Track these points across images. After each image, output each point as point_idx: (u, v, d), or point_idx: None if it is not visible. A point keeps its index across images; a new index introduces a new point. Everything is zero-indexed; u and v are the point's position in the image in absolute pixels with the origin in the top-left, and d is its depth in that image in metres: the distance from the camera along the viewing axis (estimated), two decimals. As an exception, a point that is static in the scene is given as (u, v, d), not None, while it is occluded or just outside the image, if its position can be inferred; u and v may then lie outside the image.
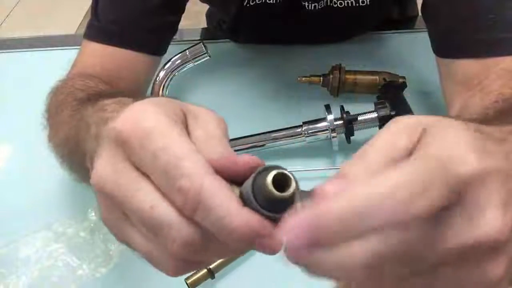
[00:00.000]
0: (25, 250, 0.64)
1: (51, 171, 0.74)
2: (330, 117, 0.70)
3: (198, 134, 0.30)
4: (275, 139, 0.72)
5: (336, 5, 0.80)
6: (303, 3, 0.79)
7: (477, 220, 0.25)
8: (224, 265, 0.60)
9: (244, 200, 0.27)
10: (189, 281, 0.59)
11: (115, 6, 0.70)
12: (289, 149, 0.73)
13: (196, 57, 0.76)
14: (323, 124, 0.71)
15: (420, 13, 1.02)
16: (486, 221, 0.25)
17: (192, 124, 0.31)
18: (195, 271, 0.57)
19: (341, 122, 0.70)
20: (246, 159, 0.28)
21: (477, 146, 0.26)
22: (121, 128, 0.28)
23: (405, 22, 1.00)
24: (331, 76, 0.79)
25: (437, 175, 0.24)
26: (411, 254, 0.24)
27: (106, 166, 0.29)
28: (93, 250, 0.64)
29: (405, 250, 0.24)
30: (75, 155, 0.46)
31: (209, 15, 1.12)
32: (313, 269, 0.27)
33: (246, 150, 0.71)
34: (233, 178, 0.28)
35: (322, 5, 0.80)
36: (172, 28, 0.75)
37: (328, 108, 0.71)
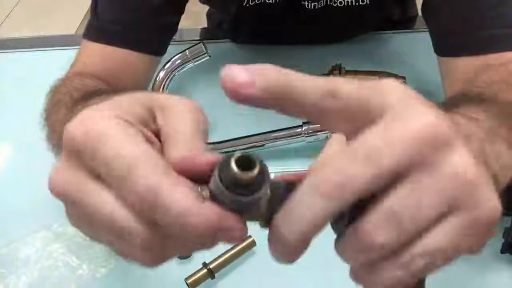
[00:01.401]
0: (25, 250, 0.64)
1: (51, 171, 0.74)
2: (330, 117, 0.70)
3: (165, 130, 0.29)
4: (275, 139, 0.72)
5: (336, 4, 0.80)
6: (303, 3, 0.79)
7: (407, 118, 0.25)
8: (224, 265, 0.61)
9: (214, 193, 0.26)
10: (189, 281, 0.59)
11: (114, 6, 0.70)
12: (289, 149, 0.73)
13: (196, 57, 0.76)
14: (323, 124, 0.70)
15: (420, 13, 1.03)
16: (416, 117, 0.25)
17: (161, 118, 0.30)
18: (195, 271, 0.56)
19: (341, 122, 0.70)
20: (208, 157, 0.27)
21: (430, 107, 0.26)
22: (72, 135, 0.28)
23: (405, 22, 1.00)
24: (331, 76, 0.79)
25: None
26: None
27: (62, 174, 0.29)
28: (93, 250, 0.64)
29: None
30: None
31: (209, 15, 1.12)
32: None
33: (246, 150, 0.71)
34: (200, 178, 0.27)
35: (322, 4, 0.80)
36: (172, 28, 0.75)
37: (328, 108, 0.71)
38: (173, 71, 0.76)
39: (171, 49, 0.76)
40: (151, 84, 0.77)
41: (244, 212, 0.27)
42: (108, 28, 0.70)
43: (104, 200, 0.27)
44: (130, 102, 0.29)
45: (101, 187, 0.27)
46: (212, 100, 0.84)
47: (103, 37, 0.70)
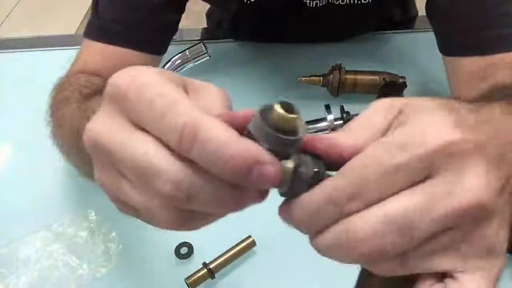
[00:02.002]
0: (25, 250, 0.64)
1: (51, 171, 0.74)
2: (330, 117, 0.70)
3: (199, 104, 0.30)
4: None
5: (337, 2, 0.80)
6: (304, 1, 0.79)
7: (459, 187, 0.25)
8: (224, 265, 0.61)
9: (252, 135, 0.27)
10: (189, 281, 0.59)
11: (116, 5, 0.70)
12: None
13: (196, 57, 0.76)
14: (323, 124, 0.71)
15: (419, 14, 1.03)
16: (467, 187, 0.25)
17: (193, 95, 0.30)
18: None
19: (341, 122, 0.70)
20: (246, 110, 0.28)
21: (449, 119, 0.27)
22: (117, 82, 0.28)
23: (405, 23, 1.00)
24: (331, 76, 0.79)
25: (410, 149, 0.25)
26: (406, 224, 0.25)
27: (101, 120, 0.29)
28: (93, 250, 0.64)
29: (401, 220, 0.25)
30: (78, 146, 0.46)
31: (209, 15, 1.12)
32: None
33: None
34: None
35: (324, 3, 0.80)
36: (173, 27, 0.75)
37: (328, 108, 0.71)
38: (173, 71, 0.76)
39: (171, 49, 0.76)
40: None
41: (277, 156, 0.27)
42: (109, 27, 0.70)
43: (141, 141, 0.27)
44: (171, 73, 0.30)
45: (140, 131, 0.28)
46: (212, 100, 0.84)
47: (104, 36, 0.70)
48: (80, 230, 0.66)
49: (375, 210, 0.26)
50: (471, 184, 0.25)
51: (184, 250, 0.63)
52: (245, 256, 0.62)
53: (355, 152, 0.27)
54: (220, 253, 0.61)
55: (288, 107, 0.26)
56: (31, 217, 0.68)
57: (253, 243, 0.62)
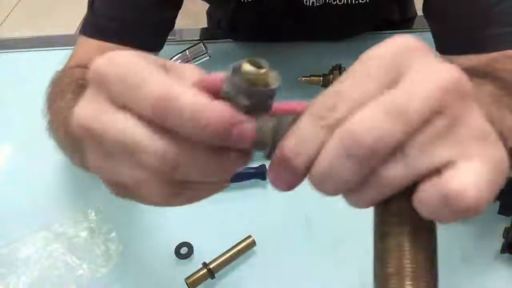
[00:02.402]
0: (25, 250, 0.64)
1: (51, 171, 0.74)
2: (330, 117, 0.70)
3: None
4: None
5: (335, 2, 0.80)
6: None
7: (434, 70, 0.26)
8: (224, 265, 0.61)
9: (226, 95, 0.28)
10: (189, 281, 0.59)
11: (111, 2, 0.70)
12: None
13: (196, 57, 0.76)
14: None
15: (417, 14, 1.03)
16: (443, 68, 0.26)
17: (172, 75, 0.31)
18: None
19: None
20: (219, 74, 0.29)
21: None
22: (96, 68, 0.29)
23: (404, 23, 1.00)
24: (331, 76, 0.79)
25: (377, 56, 0.28)
26: (396, 109, 0.25)
27: (85, 105, 0.30)
28: (93, 250, 0.64)
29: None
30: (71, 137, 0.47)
31: (209, 13, 1.12)
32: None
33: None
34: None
35: (321, 3, 0.80)
36: (169, 23, 0.75)
37: (328, 108, 0.71)
38: (173, 71, 0.76)
39: (171, 49, 0.76)
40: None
41: (254, 110, 0.28)
42: (104, 24, 0.70)
43: (122, 120, 0.28)
44: (150, 56, 0.31)
45: (121, 110, 0.29)
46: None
47: (100, 33, 0.70)
48: (80, 230, 0.66)
49: (366, 107, 0.25)
50: (444, 66, 0.26)
51: (184, 250, 0.63)
52: (245, 256, 0.62)
53: None
54: (220, 253, 0.61)
55: (257, 63, 0.28)
56: (31, 217, 0.68)
57: (253, 243, 0.62)
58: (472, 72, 0.45)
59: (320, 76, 0.80)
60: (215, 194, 0.32)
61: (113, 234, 0.65)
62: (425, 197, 0.26)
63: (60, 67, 0.70)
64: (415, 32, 0.95)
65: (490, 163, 0.26)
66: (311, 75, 0.80)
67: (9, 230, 0.67)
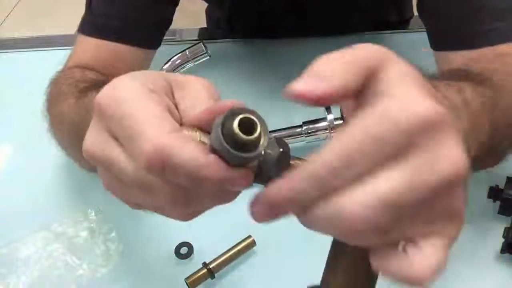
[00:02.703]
0: (25, 250, 0.64)
1: (51, 171, 0.74)
2: (330, 116, 0.70)
3: (184, 104, 0.31)
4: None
5: None
6: None
7: (441, 160, 0.26)
8: (224, 265, 0.61)
9: (214, 147, 0.28)
10: (189, 281, 0.59)
11: (109, 0, 0.70)
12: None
13: (196, 57, 0.76)
14: (323, 123, 0.71)
15: (415, 13, 1.03)
16: (449, 160, 0.26)
17: (179, 94, 0.32)
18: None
19: (341, 121, 0.70)
20: (232, 101, 0.29)
21: (426, 92, 0.27)
22: (99, 100, 0.30)
23: (402, 24, 1.00)
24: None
25: (396, 122, 0.25)
26: (394, 202, 0.25)
27: (91, 137, 0.31)
28: (93, 250, 0.64)
29: (393, 197, 0.25)
30: (79, 141, 0.48)
31: (208, 12, 1.12)
32: (309, 225, 0.29)
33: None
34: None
35: None
36: (167, 20, 0.75)
37: (328, 108, 0.71)
38: (173, 71, 0.76)
39: (171, 49, 0.76)
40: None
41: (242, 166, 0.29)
42: (102, 22, 0.70)
43: (125, 160, 0.29)
44: (152, 75, 0.32)
45: (123, 150, 0.29)
46: (212, 100, 0.84)
47: (97, 32, 0.70)
48: (80, 230, 0.66)
49: (363, 189, 0.25)
50: (451, 157, 0.26)
51: (184, 250, 0.63)
52: (245, 256, 0.62)
53: None
54: (220, 253, 0.61)
55: (249, 122, 0.27)
56: (31, 217, 0.68)
57: (253, 243, 0.62)
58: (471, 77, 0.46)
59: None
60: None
61: (113, 234, 0.65)
62: (385, 267, 0.27)
63: (60, 67, 0.70)
64: (414, 32, 0.94)
65: (450, 240, 0.28)
66: (311, 75, 0.80)
67: (9, 230, 0.67)
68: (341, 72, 0.27)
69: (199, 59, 0.77)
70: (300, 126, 0.71)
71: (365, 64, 0.28)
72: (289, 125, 0.72)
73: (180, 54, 0.77)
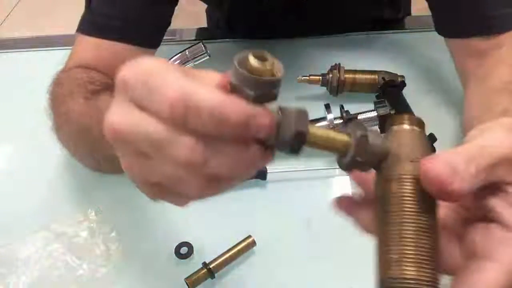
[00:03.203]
0: (25, 250, 0.64)
1: (51, 171, 0.74)
2: (330, 116, 0.70)
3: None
4: (275, 138, 0.72)
5: None
6: None
7: None
8: (224, 265, 0.61)
9: (235, 87, 0.29)
10: (189, 281, 0.59)
11: (109, 1, 0.70)
12: (289, 148, 0.73)
13: (196, 57, 0.76)
14: (323, 123, 0.71)
15: (416, 14, 1.03)
16: None
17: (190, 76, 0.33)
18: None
19: (340, 121, 0.70)
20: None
21: None
22: (121, 73, 0.31)
23: (397, 22, 1.00)
24: (330, 75, 0.79)
25: None
26: None
27: (114, 112, 0.32)
28: (93, 250, 0.64)
29: None
30: (88, 142, 0.50)
31: (208, 13, 1.12)
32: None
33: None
34: None
35: None
36: (166, 20, 0.75)
37: (327, 107, 0.71)
38: (172, 71, 0.76)
39: (171, 49, 0.76)
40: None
41: (261, 99, 0.29)
42: (102, 21, 0.70)
43: (148, 122, 0.30)
44: (172, 63, 0.33)
45: (145, 113, 0.30)
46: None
47: (98, 31, 0.70)
48: (80, 230, 0.66)
49: None
50: None
51: (184, 250, 0.63)
52: (245, 256, 0.62)
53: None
54: (220, 253, 0.61)
55: (261, 54, 0.29)
56: (31, 217, 0.68)
57: (253, 243, 0.62)
58: None
59: (319, 75, 0.80)
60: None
61: (113, 234, 0.65)
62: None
63: (59, 67, 0.70)
64: (414, 31, 0.94)
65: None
66: (310, 75, 0.80)
67: (9, 230, 0.67)
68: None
69: (198, 59, 0.77)
70: (300, 126, 0.71)
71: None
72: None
73: (180, 54, 0.77)
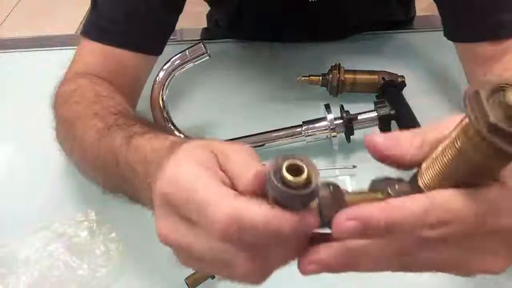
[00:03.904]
0: (25, 250, 0.64)
1: (51, 171, 0.74)
2: (330, 116, 0.70)
3: (233, 170, 0.34)
4: (275, 139, 0.72)
5: None
6: None
7: None
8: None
9: (272, 193, 0.30)
10: (189, 281, 0.59)
11: (115, 6, 0.70)
12: (289, 149, 0.73)
13: (196, 57, 0.76)
14: (323, 123, 0.71)
15: (418, 14, 1.03)
16: None
17: (225, 162, 0.35)
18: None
19: (341, 121, 0.70)
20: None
21: None
22: (165, 191, 0.33)
23: (406, 23, 1.00)
24: (330, 75, 0.79)
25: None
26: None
27: (163, 225, 0.34)
28: (93, 250, 0.64)
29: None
30: (107, 177, 0.53)
31: (209, 17, 1.12)
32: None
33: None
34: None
35: None
36: (171, 27, 0.75)
37: (328, 108, 0.71)
38: (173, 71, 0.76)
39: (171, 49, 0.76)
40: (151, 85, 0.77)
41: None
42: (109, 28, 0.70)
43: (201, 239, 0.32)
44: (203, 152, 0.35)
45: (196, 229, 0.32)
46: (212, 100, 0.84)
47: (104, 38, 0.70)
48: (80, 230, 0.66)
49: None
50: None
51: (184, 250, 0.63)
52: (245, 256, 0.62)
53: None
54: (220, 253, 0.61)
55: (295, 167, 0.30)
56: (31, 217, 0.68)
57: (253, 243, 0.62)
58: None
59: (319, 76, 0.80)
60: None
61: (113, 234, 0.65)
62: None
63: (60, 67, 0.70)
64: (414, 31, 0.95)
65: None
66: (310, 75, 0.80)
67: (9, 230, 0.67)
68: None
69: (199, 59, 0.77)
70: (300, 126, 0.71)
71: None
72: (289, 125, 0.72)
73: (180, 54, 0.77)
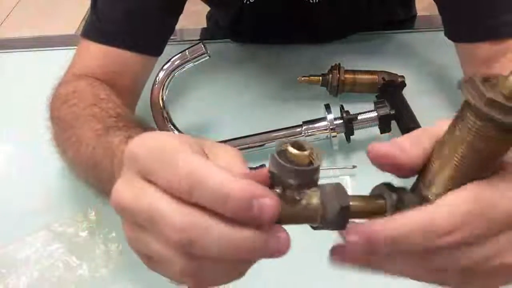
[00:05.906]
0: (25, 250, 0.64)
1: (51, 171, 0.74)
2: (330, 116, 0.70)
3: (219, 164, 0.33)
4: (275, 139, 0.72)
5: None
6: None
7: None
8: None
9: (274, 175, 0.30)
10: (189, 281, 0.59)
11: (115, 7, 0.70)
12: (289, 148, 0.73)
13: (195, 57, 0.76)
14: (323, 123, 0.71)
15: (418, 13, 1.03)
16: None
17: (211, 156, 0.33)
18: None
19: (341, 121, 0.70)
20: (263, 171, 0.31)
21: None
22: (133, 148, 0.32)
23: (406, 22, 1.00)
24: (330, 75, 0.79)
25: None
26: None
27: (121, 184, 0.33)
28: (93, 250, 0.64)
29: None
30: (97, 175, 0.51)
31: (209, 17, 1.12)
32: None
33: (246, 150, 0.71)
34: None
35: None
36: (171, 29, 0.76)
37: (328, 108, 0.71)
38: (172, 71, 0.76)
39: (171, 49, 0.76)
40: (151, 85, 0.77)
41: (302, 187, 0.30)
42: (109, 29, 0.70)
43: (150, 194, 0.31)
44: (190, 138, 0.34)
45: (152, 185, 0.31)
46: (212, 100, 0.84)
47: (104, 38, 0.70)
48: (80, 230, 0.66)
49: None
50: None
51: (184, 250, 0.63)
52: (245, 256, 0.62)
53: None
54: (220, 253, 0.61)
55: (299, 144, 0.30)
56: (31, 217, 0.68)
57: (253, 243, 0.62)
58: None
59: (319, 76, 0.80)
60: (229, 282, 0.35)
61: (113, 234, 0.65)
62: None
63: (60, 67, 0.70)
64: (415, 31, 0.95)
65: None
66: (310, 75, 0.80)
67: (9, 230, 0.67)
68: None
69: (199, 59, 0.77)
70: (300, 126, 0.71)
71: None
72: (289, 125, 0.72)
73: (180, 54, 0.77)
